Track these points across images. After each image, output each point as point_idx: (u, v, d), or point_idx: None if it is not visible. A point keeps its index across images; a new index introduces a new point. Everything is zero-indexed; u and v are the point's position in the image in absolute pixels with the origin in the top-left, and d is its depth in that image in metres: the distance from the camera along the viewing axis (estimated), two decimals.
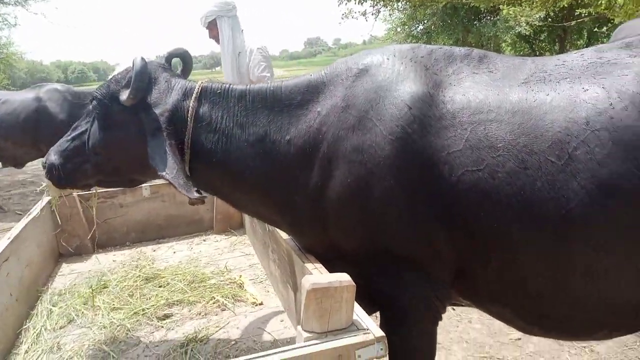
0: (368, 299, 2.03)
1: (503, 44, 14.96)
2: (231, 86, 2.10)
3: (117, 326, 2.56)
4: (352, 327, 1.54)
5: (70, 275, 3.28)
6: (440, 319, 2.06)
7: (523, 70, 1.87)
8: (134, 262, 3.40)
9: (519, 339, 3.36)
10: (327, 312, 1.48)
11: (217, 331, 2.50)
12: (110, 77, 2.29)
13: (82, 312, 2.72)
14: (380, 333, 1.50)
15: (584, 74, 1.79)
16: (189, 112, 2.04)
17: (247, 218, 3.68)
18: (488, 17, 15.39)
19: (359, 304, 1.73)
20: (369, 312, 2.15)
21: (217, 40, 4.96)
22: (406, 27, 16.24)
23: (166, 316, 2.65)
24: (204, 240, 3.80)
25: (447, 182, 1.74)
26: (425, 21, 15.94)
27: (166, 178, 1.94)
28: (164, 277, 3.06)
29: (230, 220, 3.88)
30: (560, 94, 1.74)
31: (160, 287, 2.96)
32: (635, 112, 1.65)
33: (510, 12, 11.58)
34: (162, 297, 2.82)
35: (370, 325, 1.55)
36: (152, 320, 2.62)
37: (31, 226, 3.05)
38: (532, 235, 1.72)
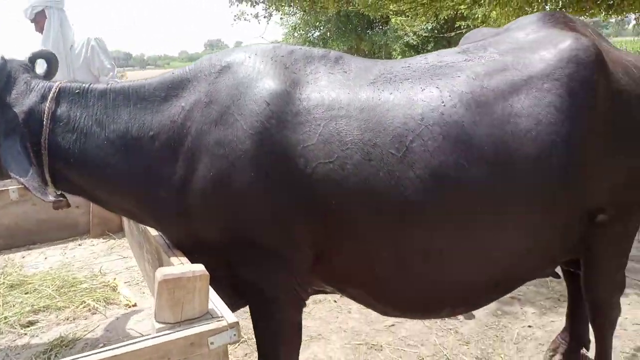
0: (235, 291, 2.10)
1: (393, 52, 15.73)
2: (91, 86, 2.08)
3: None
4: (207, 315, 1.59)
5: None
6: (304, 305, 2.17)
7: (373, 72, 2.04)
8: None
9: (393, 325, 3.60)
10: (180, 302, 1.52)
11: (85, 335, 2.43)
12: None
13: None
14: (233, 319, 1.56)
15: (424, 75, 2.00)
16: (45, 112, 2.00)
17: (125, 221, 3.58)
18: (379, 26, 16.13)
19: (227, 296, 1.79)
20: (237, 305, 2.22)
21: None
22: (302, 32, 16.58)
23: (31, 323, 2.52)
24: (79, 245, 3.64)
25: (303, 174, 1.87)
26: (321, 27, 16.38)
27: (20, 180, 1.89)
28: (31, 283, 2.90)
29: (109, 224, 3.75)
30: (401, 93, 1.93)
31: (26, 293, 2.80)
32: (463, 109, 1.87)
33: (398, 22, 12.25)
34: (27, 303, 2.67)
35: (225, 312, 1.61)
36: (15, 328, 2.48)
37: None
38: (376, 221, 1.90)
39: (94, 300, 2.71)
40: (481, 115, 1.87)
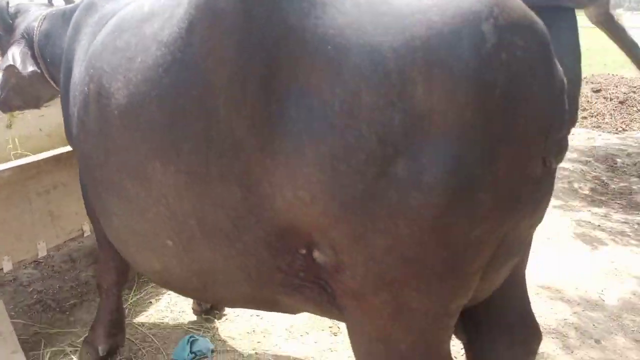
0: None
1: None
2: (64, 7, 2.66)
3: None
4: None
5: None
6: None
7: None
8: None
9: None
10: None
11: None
12: None
13: None
14: None
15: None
16: (35, 30, 2.62)
17: None
18: None
19: None
20: None
21: None
22: None
23: None
24: None
25: (74, 90, 1.98)
26: None
27: (10, 62, 2.57)
28: None
29: None
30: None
31: None
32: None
33: None
34: None
35: None
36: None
37: None
38: (89, 165, 1.86)
39: None
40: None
